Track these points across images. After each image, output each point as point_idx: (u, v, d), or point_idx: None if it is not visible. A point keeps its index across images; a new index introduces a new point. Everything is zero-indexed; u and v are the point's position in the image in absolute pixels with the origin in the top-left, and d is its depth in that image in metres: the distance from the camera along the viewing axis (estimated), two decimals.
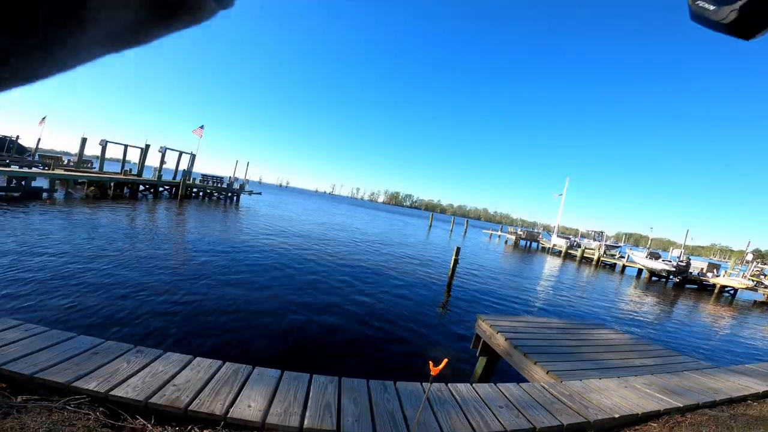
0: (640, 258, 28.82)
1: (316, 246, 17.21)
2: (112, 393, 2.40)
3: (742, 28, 0.35)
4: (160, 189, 30.64)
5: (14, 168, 21.13)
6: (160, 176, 30.43)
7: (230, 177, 39.22)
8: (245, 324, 6.71)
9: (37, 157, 33.05)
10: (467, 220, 65.20)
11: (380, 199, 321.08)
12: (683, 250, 28.40)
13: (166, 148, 31.18)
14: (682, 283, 24.63)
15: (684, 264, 24.70)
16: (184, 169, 33.71)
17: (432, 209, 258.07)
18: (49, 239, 10.43)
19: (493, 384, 3.58)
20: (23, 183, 18.52)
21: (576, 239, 45.07)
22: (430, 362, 2.23)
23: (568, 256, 38.56)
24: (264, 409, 2.51)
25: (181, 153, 33.75)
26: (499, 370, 6.09)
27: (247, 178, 43.49)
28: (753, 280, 23.09)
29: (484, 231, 70.11)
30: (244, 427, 2.40)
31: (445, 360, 2.25)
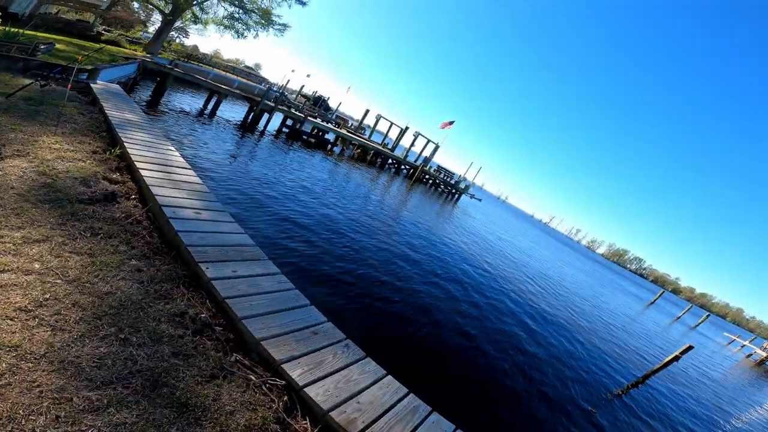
0: None
1: (519, 283, 15.78)
2: (305, 390, 2.48)
3: None
4: (402, 167, 35.21)
5: (318, 121, 28.35)
6: (406, 157, 35.01)
7: (459, 175, 41.13)
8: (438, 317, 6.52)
9: (334, 116, 43.39)
10: (708, 314, 47.18)
11: (600, 251, 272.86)
12: None
13: (419, 134, 35.31)
14: None
15: None
16: (426, 156, 37.31)
17: (662, 285, 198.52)
18: (320, 180, 13.44)
19: None
20: (320, 134, 24.68)
21: None
22: None
23: None
24: None
25: (428, 141, 37.29)
26: None
27: (474, 181, 44.68)
28: None
29: (724, 333, 48.78)
30: None
31: None
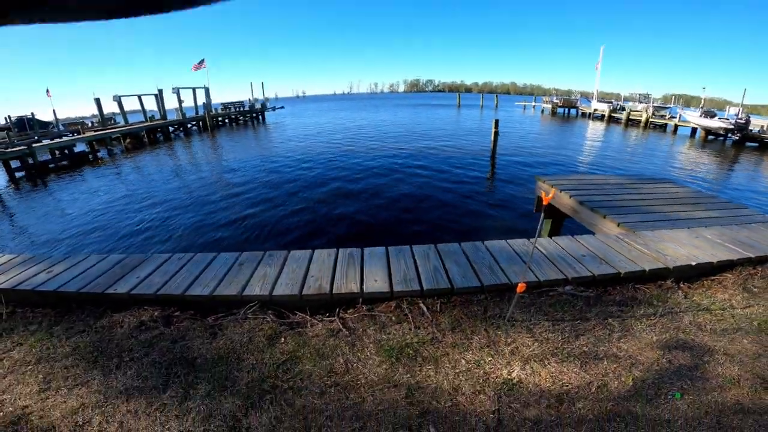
0: (693, 117, 26.07)
1: (354, 144, 17.45)
2: (274, 294, 2.87)
3: None
4: (189, 126, 31.22)
5: (46, 141, 20.93)
6: (183, 114, 30.64)
7: (249, 99, 38.87)
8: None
9: (61, 126, 33.27)
10: (497, 95, 61.01)
11: (401, 89, 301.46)
12: (741, 109, 24.98)
13: (179, 88, 30.76)
14: (741, 141, 22.32)
15: (743, 122, 22.12)
16: (204, 103, 33.25)
17: (456, 91, 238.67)
18: (129, 193, 11.66)
19: (572, 236, 3.77)
20: (66, 152, 18.79)
21: (619, 103, 40.60)
22: (543, 193, 2.44)
23: (612, 120, 35.22)
24: (388, 281, 2.98)
25: (194, 89, 33.13)
26: (564, 229, 6.35)
27: (266, 96, 42.94)
28: None
29: (516, 103, 63.94)
30: (378, 298, 2.87)
31: (553, 190, 2.46)
